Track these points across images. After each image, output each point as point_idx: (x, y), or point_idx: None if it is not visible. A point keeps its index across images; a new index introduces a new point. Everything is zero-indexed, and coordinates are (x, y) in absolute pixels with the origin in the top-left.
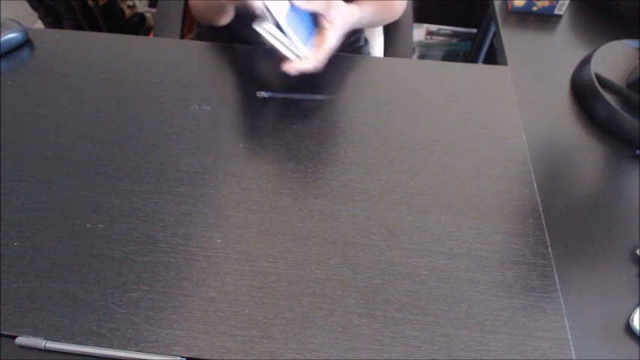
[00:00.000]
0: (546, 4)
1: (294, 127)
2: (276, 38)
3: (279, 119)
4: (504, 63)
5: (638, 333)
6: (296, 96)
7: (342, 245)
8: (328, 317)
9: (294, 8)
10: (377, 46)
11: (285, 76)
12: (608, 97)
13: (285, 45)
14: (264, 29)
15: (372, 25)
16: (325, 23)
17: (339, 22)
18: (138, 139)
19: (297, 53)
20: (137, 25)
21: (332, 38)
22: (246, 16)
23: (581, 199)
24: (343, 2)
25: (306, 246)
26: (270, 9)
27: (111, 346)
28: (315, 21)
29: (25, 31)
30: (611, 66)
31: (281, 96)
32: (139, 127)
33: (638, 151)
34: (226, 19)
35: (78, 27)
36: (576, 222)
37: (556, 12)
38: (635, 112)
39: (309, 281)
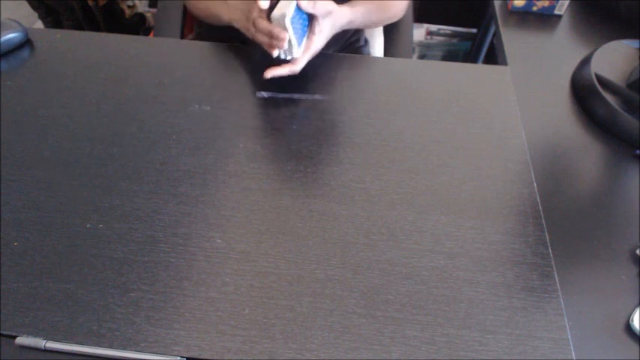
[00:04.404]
0: (546, 4)
1: (294, 127)
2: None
3: (279, 119)
4: (504, 63)
5: (638, 333)
6: (296, 96)
7: (342, 245)
8: (328, 317)
9: (297, 11)
10: (377, 46)
11: (285, 76)
12: (608, 97)
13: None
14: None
15: (368, 25)
16: (316, 28)
17: (328, 30)
18: (138, 139)
19: (291, 53)
20: (137, 25)
21: (317, 44)
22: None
23: (581, 199)
24: (337, 6)
25: (306, 246)
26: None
27: (111, 346)
28: (308, 24)
29: (25, 31)
30: (611, 66)
31: (281, 96)
32: (139, 127)
33: (638, 151)
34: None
35: (78, 27)
36: (576, 222)
37: (556, 12)
38: (635, 112)
39: (309, 281)
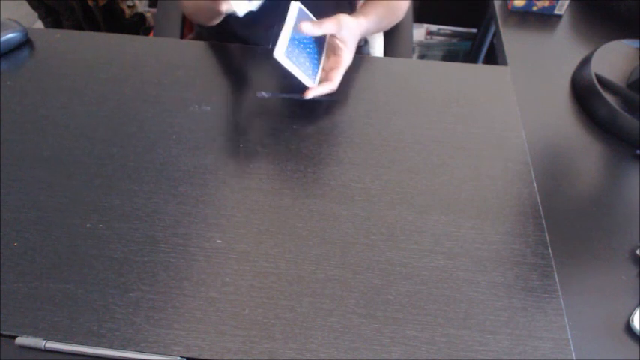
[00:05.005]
0: (546, 4)
1: (294, 127)
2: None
3: (279, 119)
4: (504, 63)
5: (638, 333)
6: (296, 96)
7: (342, 245)
8: (328, 317)
9: (294, 43)
10: (377, 46)
11: (285, 76)
12: (608, 97)
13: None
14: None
15: (379, 31)
16: (338, 43)
17: (351, 41)
18: (138, 139)
19: (306, 83)
20: (137, 25)
21: (347, 57)
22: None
23: (581, 199)
24: (349, 17)
25: (306, 246)
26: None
27: (111, 346)
28: (319, 43)
29: (25, 31)
30: (611, 66)
31: (281, 96)
32: (139, 127)
33: (638, 151)
34: (216, 20)
35: (78, 27)
36: (576, 222)
37: (556, 12)
38: (635, 112)
39: (309, 281)
